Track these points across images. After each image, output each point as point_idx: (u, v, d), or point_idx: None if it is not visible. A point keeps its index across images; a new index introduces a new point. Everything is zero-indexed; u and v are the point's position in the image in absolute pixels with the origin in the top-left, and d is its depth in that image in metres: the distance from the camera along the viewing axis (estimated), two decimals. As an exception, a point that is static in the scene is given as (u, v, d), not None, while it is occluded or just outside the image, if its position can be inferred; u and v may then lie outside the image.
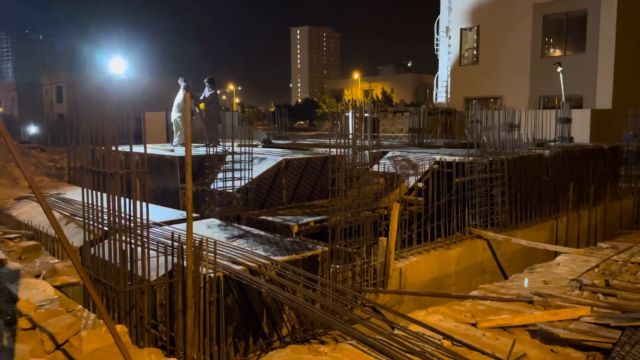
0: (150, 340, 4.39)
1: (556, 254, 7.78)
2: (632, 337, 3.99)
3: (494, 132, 9.14)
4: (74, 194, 8.66)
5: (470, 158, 8.49)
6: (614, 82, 19.81)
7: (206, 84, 11.85)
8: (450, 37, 25.35)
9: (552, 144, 12.10)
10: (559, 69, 16.93)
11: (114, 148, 4.38)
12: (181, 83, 12.32)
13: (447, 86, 25.77)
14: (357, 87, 67.63)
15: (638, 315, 4.37)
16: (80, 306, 4.10)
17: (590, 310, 4.60)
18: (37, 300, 4.07)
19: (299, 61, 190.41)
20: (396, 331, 4.35)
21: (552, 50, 22.76)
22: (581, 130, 15.39)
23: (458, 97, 24.24)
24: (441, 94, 26.29)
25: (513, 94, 21.22)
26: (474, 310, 4.99)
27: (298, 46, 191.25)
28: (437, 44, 26.22)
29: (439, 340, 4.16)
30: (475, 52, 24.81)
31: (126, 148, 4.40)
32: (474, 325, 4.56)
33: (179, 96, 12.29)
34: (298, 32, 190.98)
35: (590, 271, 6.21)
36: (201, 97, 12.01)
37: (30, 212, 7.82)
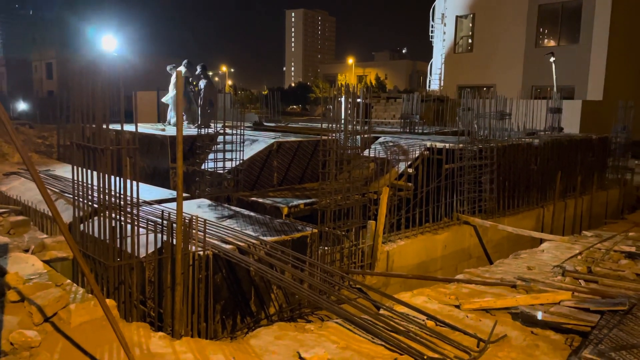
0: (138, 316, 4.44)
1: (541, 241, 7.91)
2: (610, 321, 4.10)
3: (485, 120, 9.21)
4: (63, 171, 8.63)
5: (461, 145, 8.56)
6: (606, 74, 19.94)
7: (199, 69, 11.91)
8: (445, 25, 25.28)
9: (542, 133, 12.20)
10: (552, 59, 16.98)
11: (104, 125, 4.37)
12: (170, 71, 12.27)
13: (440, 73, 25.76)
14: (351, 72, 67.27)
15: (617, 300, 4.48)
16: (68, 280, 4.11)
17: (571, 295, 4.72)
18: (25, 274, 4.09)
19: (293, 44, 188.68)
20: (382, 311, 4.44)
21: (546, 40, 22.80)
22: (571, 121, 15.51)
23: (451, 85, 24.25)
24: (435, 82, 26.29)
25: (506, 83, 21.29)
26: (458, 293, 5.09)
27: (293, 29, 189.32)
28: (432, 31, 26.14)
29: (423, 320, 4.25)
30: (469, 40, 24.79)
31: (117, 126, 4.39)
32: (457, 307, 4.66)
33: (174, 76, 12.23)
34: (293, 14, 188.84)
35: (573, 258, 6.33)
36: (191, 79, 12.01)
37: (19, 188, 7.78)
